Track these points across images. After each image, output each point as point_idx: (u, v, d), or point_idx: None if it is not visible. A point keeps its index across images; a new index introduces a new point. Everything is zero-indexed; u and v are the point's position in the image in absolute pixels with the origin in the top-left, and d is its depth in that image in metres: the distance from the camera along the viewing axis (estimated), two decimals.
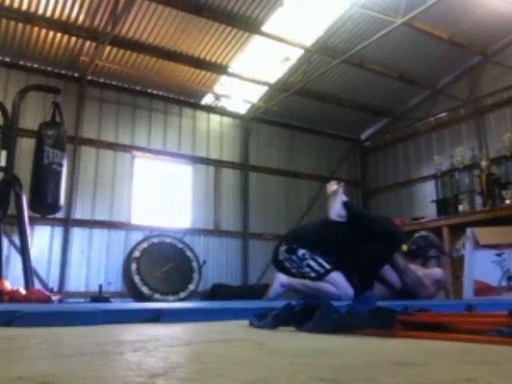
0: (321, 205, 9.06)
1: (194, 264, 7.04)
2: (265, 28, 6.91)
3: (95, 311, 1.92)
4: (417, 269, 4.39)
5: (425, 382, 0.69)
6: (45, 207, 6.30)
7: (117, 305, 3.91)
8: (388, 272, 4.07)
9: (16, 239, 6.21)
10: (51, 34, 6.60)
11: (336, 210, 4.11)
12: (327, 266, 3.84)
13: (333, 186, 4.28)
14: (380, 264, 4.04)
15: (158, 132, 8.10)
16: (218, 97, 8.57)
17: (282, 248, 4.01)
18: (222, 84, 8.16)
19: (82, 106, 7.43)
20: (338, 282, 3.78)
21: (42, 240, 6.79)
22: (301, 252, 3.88)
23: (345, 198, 4.22)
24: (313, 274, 3.83)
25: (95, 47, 6.80)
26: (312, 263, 3.85)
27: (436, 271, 4.65)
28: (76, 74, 7.46)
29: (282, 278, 3.95)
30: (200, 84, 8.05)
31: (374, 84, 8.53)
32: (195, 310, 2.27)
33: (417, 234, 4.82)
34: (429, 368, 0.81)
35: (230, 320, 1.99)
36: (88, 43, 6.83)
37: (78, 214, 7.11)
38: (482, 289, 5.26)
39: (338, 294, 3.68)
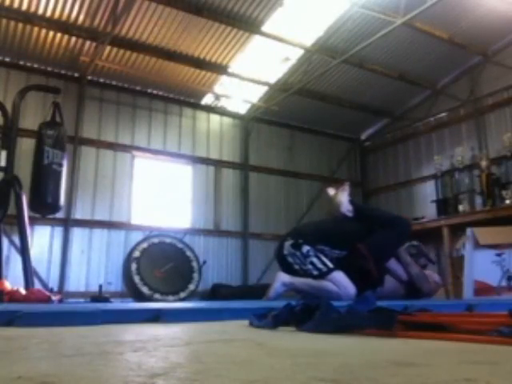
0: (321, 205, 9.08)
1: (194, 264, 7.05)
2: (265, 28, 6.91)
3: (95, 311, 1.92)
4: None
5: (425, 382, 0.69)
6: (45, 207, 6.30)
7: (117, 305, 3.91)
8: (393, 264, 4.18)
9: (16, 239, 6.21)
10: (51, 33, 6.60)
11: (345, 205, 4.33)
12: (330, 265, 3.88)
13: (331, 191, 4.58)
14: (393, 247, 4.16)
15: (158, 132, 8.10)
16: (217, 97, 8.56)
17: (288, 243, 4.05)
18: (222, 84, 8.16)
19: (82, 106, 7.43)
20: (339, 282, 3.80)
21: (42, 240, 6.79)
22: (305, 248, 3.93)
23: (348, 197, 4.46)
24: (315, 272, 3.86)
25: (95, 47, 6.80)
26: (315, 261, 3.88)
27: (431, 273, 4.75)
28: (76, 74, 7.46)
29: (283, 277, 3.98)
30: (200, 84, 8.05)
31: (374, 84, 8.53)
32: (195, 310, 2.27)
33: (408, 243, 4.95)
34: (429, 368, 0.81)
35: (230, 320, 1.99)
36: (88, 43, 6.83)
37: (78, 214, 7.11)
38: (482, 289, 5.26)
39: (339, 294, 3.70)
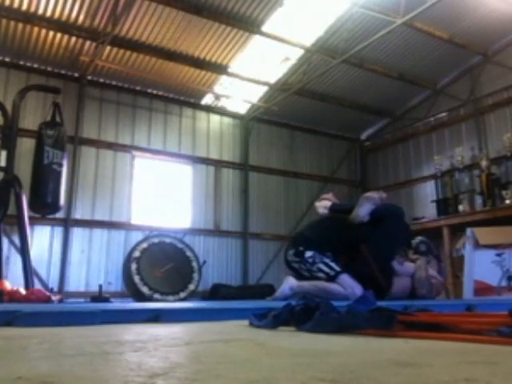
0: None
1: (194, 264, 7.05)
2: (265, 28, 6.91)
3: (95, 311, 1.91)
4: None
5: (425, 382, 0.69)
6: (45, 207, 6.30)
7: (116, 305, 3.91)
8: (397, 265, 4.21)
9: (16, 239, 6.21)
10: (51, 33, 6.60)
11: (362, 214, 4.20)
12: (337, 268, 3.94)
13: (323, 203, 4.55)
14: (396, 241, 4.17)
15: (157, 132, 8.10)
16: (218, 97, 8.56)
17: (290, 252, 4.12)
18: (222, 84, 8.16)
19: (82, 105, 7.42)
20: (346, 283, 3.84)
21: (42, 240, 6.79)
22: (308, 254, 3.97)
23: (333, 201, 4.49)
24: (322, 275, 3.92)
25: (95, 47, 6.80)
26: (321, 266, 3.95)
27: (435, 274, 4.68)
28: (76, 74, 7.46)
29: (291, 281, 4.05)
30: (200, 84, 8.05)
31: (374, 84, 8.53)
32: (195, 310, 2.27)
33: (417, 240, 4.86)
34: (429, 368, 0.81)
35: (230, 320, 1.99)
36: (88, 43, 6.83)
37: (78, 214, 7.11)
38: (482, 289, 5.26)
39: (346, 295, 3.73)
